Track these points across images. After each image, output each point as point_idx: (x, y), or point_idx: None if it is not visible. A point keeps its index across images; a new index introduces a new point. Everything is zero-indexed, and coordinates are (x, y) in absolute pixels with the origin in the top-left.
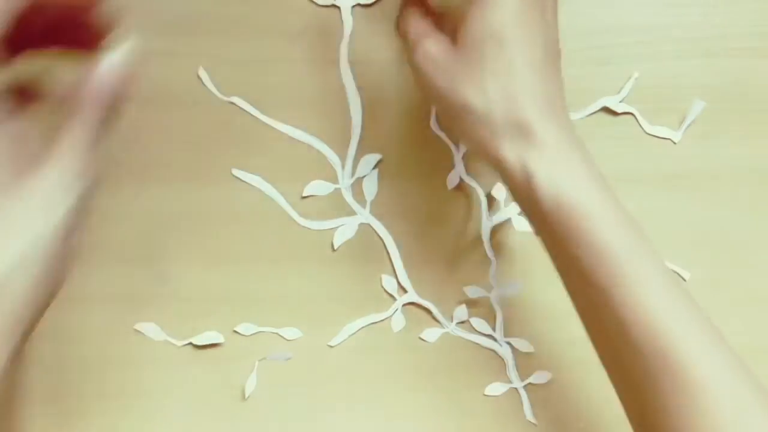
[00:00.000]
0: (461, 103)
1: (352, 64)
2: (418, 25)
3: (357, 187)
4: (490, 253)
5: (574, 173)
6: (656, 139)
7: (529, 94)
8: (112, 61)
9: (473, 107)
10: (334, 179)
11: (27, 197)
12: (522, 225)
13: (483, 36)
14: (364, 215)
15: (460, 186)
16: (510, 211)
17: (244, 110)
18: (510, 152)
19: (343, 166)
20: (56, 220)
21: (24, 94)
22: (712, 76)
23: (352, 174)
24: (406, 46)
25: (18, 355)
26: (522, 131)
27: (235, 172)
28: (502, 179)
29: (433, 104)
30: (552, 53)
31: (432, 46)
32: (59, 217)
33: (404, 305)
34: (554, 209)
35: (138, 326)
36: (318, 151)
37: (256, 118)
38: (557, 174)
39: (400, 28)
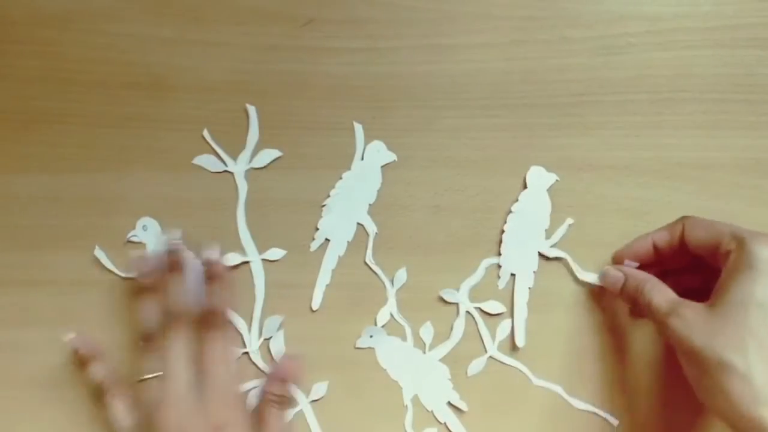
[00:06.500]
0: (718, 360)
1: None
2: (665, 296)
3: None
4: None
5: None
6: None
7: None
8: None
9: (732, 365)
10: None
11: None
12: None
13: (746, 302)
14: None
15: None
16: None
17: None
18: None
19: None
20: None
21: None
22: (721, 67)
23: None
24: (656, 315)
25: None
26: None
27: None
28: None
29: (685, 362)
30: None
31: (687, 310)
32: None
33: None
34: None
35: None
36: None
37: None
38: None
39: (645, 304)
